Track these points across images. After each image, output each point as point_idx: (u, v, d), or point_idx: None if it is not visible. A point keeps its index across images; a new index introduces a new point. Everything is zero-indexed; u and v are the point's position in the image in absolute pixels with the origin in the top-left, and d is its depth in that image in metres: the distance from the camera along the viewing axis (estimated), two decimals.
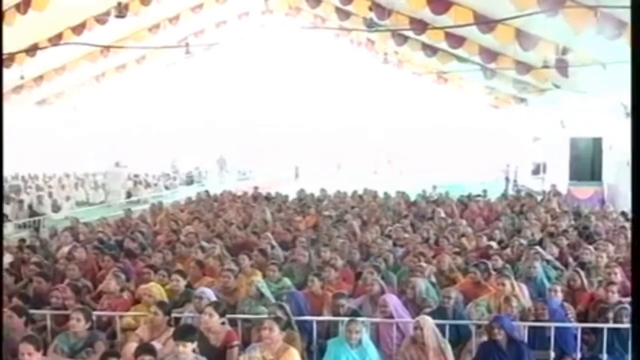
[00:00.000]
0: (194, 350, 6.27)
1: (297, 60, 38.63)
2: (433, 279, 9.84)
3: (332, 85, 40.34)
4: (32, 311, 7.96)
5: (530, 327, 7.81)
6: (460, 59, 21.10)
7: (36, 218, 21.54)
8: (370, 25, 17.23)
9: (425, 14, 17.12)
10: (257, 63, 37.46)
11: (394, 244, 12.53)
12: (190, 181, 36.53)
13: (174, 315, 7.79)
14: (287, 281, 9.89)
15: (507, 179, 29.81)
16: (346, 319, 7.41)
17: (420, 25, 18.42)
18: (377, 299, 8.42)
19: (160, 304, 7.59)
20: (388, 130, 40.44)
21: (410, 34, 20.44)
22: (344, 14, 21.40)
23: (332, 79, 39.89)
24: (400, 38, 21.17)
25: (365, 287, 9.13)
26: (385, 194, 20.75)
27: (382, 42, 24.69)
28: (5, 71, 19.56)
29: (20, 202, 23.14)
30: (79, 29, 18.47)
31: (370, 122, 40.91)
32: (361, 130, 41.02)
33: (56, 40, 18.65)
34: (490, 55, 19.33)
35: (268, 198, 21.37)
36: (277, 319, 6.89)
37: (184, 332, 6.45)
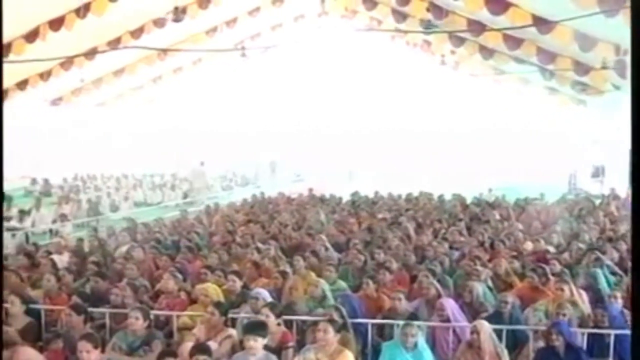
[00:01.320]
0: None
1: (353, 63, 38.55)
2: (489, 283, 9.73)
3: (388, 87, 40.14)
4: (91, 309, 8.11)
5: (589, 334, 7.67)
6: (517, 60, 20.83)
7: (94, 218, 21.89)
8: (427, 27, 17.11)
9: (483, 15, 16.92)
10: (313, 65, 37.47)
11: (450, 247, 12.42)
12: (245, 183, 36.78)
13: (230, 315, 7.86)
14: (342, 283, 9.89)
15: (569, 182, 29.37)
16: (402, 322, 7.37)
17: (477, 27, 18.21)
18: (433, 302, 8.37)
19: (217, 304, 7.68)
20: (445, 132, 40.10)
21: (467, 35, 20.24)
22: (401, 16, 21.20)
23: (388, 81, 39.66)
24: (457, 40, 20.97)
25: (421, 290, 9.06)
26: (440, 196, 20.60)
27: (438, 44, 24.47)
28: (65, 74, 19.99)
29: (79, 202, 23.62)
30: (137, 32, 18.67)
31: (426, 123, 40.57)
32: (418, 132, 40.70)
33: (115, 43, 18.88)
34: (548, 56, 19.00)
35: (322, 200, 21.38)
36: (331, 321, 6.88)
37: (255, 327, 6.48)
